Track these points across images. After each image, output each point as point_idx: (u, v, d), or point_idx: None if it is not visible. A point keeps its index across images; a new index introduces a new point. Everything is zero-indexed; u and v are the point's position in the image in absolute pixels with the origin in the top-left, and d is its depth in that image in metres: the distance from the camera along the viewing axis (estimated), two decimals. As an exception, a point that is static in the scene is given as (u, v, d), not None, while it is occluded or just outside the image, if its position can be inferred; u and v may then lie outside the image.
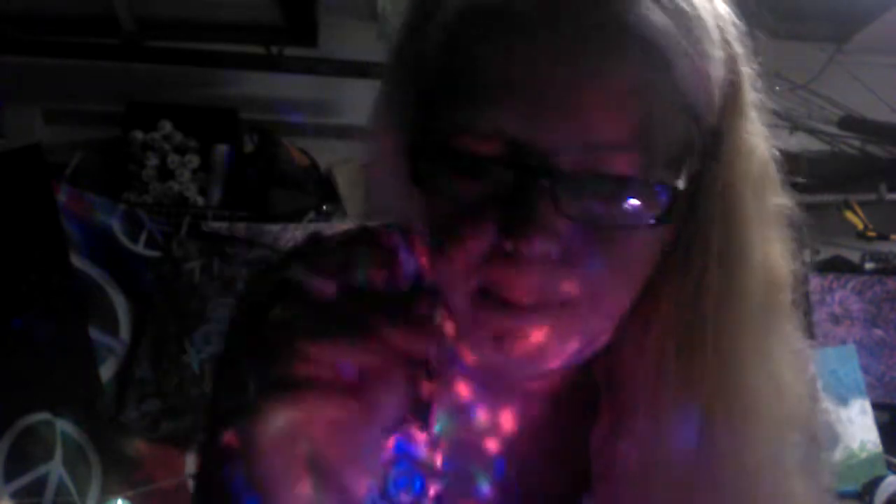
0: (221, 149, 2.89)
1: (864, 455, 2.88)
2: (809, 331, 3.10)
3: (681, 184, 0.55)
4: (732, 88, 0.61)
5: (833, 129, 3.27)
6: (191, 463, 2.59)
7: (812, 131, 3.28)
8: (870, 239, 3.11)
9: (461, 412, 0.64)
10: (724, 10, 0.66)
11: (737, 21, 0.67)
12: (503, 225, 0.52)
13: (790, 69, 3.25)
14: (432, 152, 0.55)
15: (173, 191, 2.81)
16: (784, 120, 3.27)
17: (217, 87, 3.04)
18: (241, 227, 2.78)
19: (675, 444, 0.56)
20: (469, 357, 0.62)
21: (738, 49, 0.65)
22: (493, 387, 0.65)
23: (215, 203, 2.85)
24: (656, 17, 0.53)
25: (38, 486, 2.41)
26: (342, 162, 2.99)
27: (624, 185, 0.53)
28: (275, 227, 2.79)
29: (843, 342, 3.05)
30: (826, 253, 3.22)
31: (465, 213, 0.54)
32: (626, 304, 0.58)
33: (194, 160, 2.85)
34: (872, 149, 3.32)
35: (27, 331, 2.48)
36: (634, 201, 0.53)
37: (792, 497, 0.62)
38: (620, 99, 0.51)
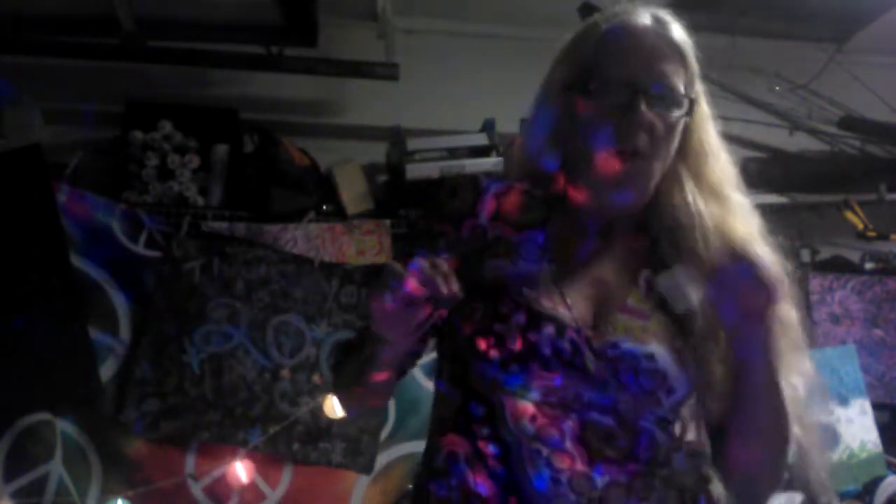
0: (221, 149, 2.89)
1: (864, 455, 2.88)
2: (809, 331, 3.10)
3: (692, 100, 1.21)
4: (696, 70, 1.25)
5: (833, 129, 3.28)
6: (191, 463, 2.60)
7: (812, 131, 3.28)
8: (870, 239, 3.11)
9: (571, 230, 1.23)
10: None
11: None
12: (628, 114, 1.16)
13: (790, 69, 3.25)
14: (596, 88, 1.19)
15: (173, 191, 2.81)
16: (784, 120, 3.27)
17: (217, 87, 3.04)
18: (241, 227, 2.78)
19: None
20: (584, 199, 1.21)
21: (693, 57, 1.25)
22: (591, 219, 1.23)
23: (215, 203, 2.85)
24: (679, 34, 1.25)
25: (38, 486, 2.42)
26: (342, 162, 2.99)
27: (676, 97, 1.19)
28: (275, 227, 2.79)
29: (843, 342, 3.05)
30: (826, 253, 3.22)
31: (610, 113, 1.17)
32: (667, 166, 1.20)
33: (194, 160, 2.85)
34: (872, 149, 3.32)
35: (27, 331, 2.48)
36: (680, 107, 1.19)
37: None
38: (673, 63, 1.20)
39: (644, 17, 1.22)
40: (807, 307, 3.10)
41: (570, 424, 1.12)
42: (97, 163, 2.88)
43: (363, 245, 2.86)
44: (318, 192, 2.90)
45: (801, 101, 3.25)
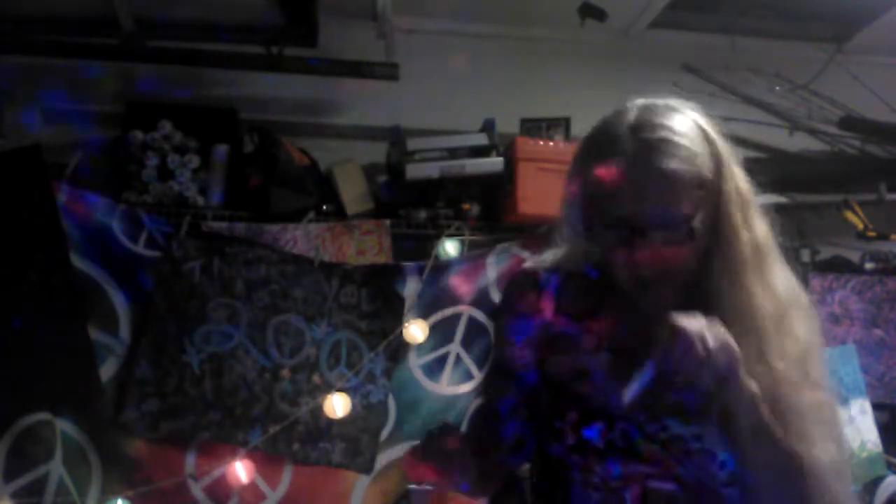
0: (221, 149, 2.89)
1: (864, 455, 2.88)
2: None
3: (698, 220, 1.19)
4: (717, 161, 1.22)
5: (833, 129, 3.28)
6: (191, 463, 2.60)
7: (812, 131, 3.28)
8: (870, 239, 3.11)
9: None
10: (706, 125, 1.25)
11: (712, 127, 1.25)
12: (633, 251, 1.19)
13: (790, 69, 3.25)
14: (599, 227, 1.21)
15: (173, 191, 2.81)
16: (784, 120, 3.27)
17: (217, 87, 3.04)
18: (241, 227, 2.78)
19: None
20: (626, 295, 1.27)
21: (717, 138, 1.23)
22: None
23: (215, 203, 2.85)
24: (670, 162, 1.17)
25: (38, 486, 2.41)
26: (342, 162, 2.99)
27: (677, 222, 1.17)
28: (275, 227, 2.79)
29: (843, 342, 3.05)
30: (826, 253, 3.22)
31: (614, 247, 1.20)
32: (692, 271, 1.22)
33: (194, 160, 2.85)
34: (872, 149, 3.32)
35: (27, 331, 2.48)
36: (679, 232, 1.17)
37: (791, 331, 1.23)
38: (671, 181, 1.17)
39: (623, 151, 1.18)
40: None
41: (631, 493, 1.23)
42: (97, 163, 2.88)
43: (363, 245, 2.86)
44: (318, 192, 2.90)
45: (801, 101, 3.25)
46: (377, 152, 3.05)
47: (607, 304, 1.30)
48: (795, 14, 3.29)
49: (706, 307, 1.17)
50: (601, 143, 1.21)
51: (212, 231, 2.75)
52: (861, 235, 3.11)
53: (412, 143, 2.88)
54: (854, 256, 3.23)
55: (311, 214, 2.84)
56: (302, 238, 2.80)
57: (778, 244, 1.27)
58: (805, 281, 3.09)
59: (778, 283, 1.24)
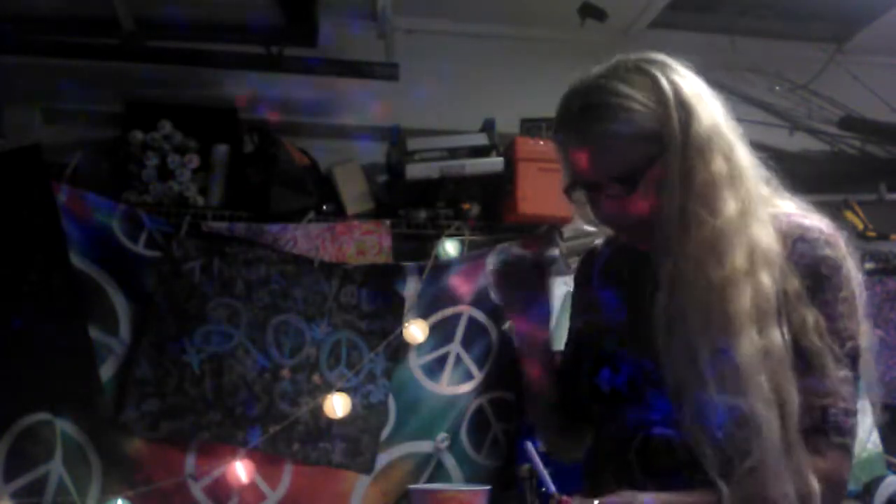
0: (221, 149, 2.89)
1: (864, 455, 2.88)
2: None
3: (638, 173, 1.22)
4: (665, 112, 1.22)
5: (833, 129, 3.28)
6: (191, 463, 2.60)
7: (812, 131, 3.28)
8: (870, 239, 3.11)
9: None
10: (661, 77, 1.25)
11: (671, 77, 1.26)
12: (595, 208, 1.30)
13: (790, 69, 3.25)
14: (569, 192, 1.32)
15: (173, 191, 2.81)
16: (784, 120, 3.27)
17: (217, 87, 3.04)
18: (241, 227, 2.78)
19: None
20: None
21: (671, 89, 1.23)
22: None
23: (215, 203, 2.85)
24: (594, 126, 1.24)
25: (38, 486, 2.41)
26: (342, 162, 2.99)
27: (608, 184, 1.24)
28: (275, 227, 2.79)
29: (843, 342, 3.05)
30: (826, 253, 3.21)
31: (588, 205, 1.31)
32: (645, 216, 1.24)
33: (194, 160, 2.85)
34: (872, 149, 3.32)
35: (27, 331, 2.48)
36: (619, 186, 1.23)
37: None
38: (602, 148, 1.24)
39: (563, 120, 1.27)
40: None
41: (636, 442, 1.28)
42: (97, 163, 2.88)
43: (363, 245, 2.86)
44: (318, 192, 2.90)
45: (801, 101, 3.25)
46: (377, 152, 3.05)
47: (633, 269, 1.37)
48: (795, 14, 3.29)
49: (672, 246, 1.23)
50: (557, 111, 1.31)
51: (212, 231, 2.75)
52: (861, 235, 3.11)
53: (412, 143, 2.88)
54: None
55: (311, 214, 2.84)
56: (302, 238, 2.80)
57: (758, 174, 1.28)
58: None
59: (726, 210, 1.21)
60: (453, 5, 3.15)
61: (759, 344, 1.15)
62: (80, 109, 2.96)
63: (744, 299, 1.17)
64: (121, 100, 2.94)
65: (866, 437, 2.90)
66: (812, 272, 1.22)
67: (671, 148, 1.20)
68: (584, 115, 1.23)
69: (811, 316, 1.19)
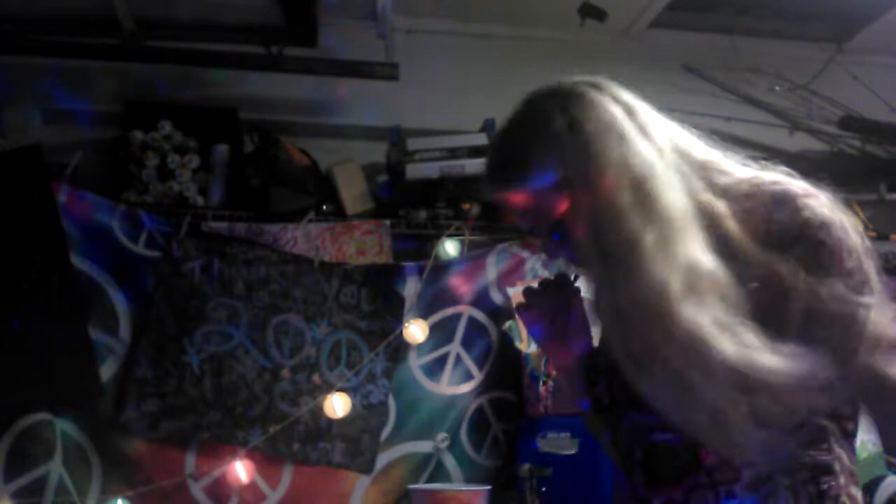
0: (221, 149, 2.89)
1: (864, 455, 2.88)
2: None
3: (562, 222, 1.23)
4: (563, 154, 1.20)
5: (833, 129, 3.28)
6: (191, 463, 2.60)
7: (812, 131, 3.28)
8: (870, 239, 3.11)
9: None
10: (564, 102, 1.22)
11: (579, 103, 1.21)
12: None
13: (790, 69, 3.26)
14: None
15: (173, 191, 2.81)
16: (784, 120, 3.27)
17: (217, 87, 3.04)
18: (241, 227, 2.78)
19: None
20: None
21: (563, 130, 1.19)
22: None
23: (215, 203, 2.85)
24: (498, 183, 1.29)
25: (38, 486, 2.41)
26: (342, 162, 2.99)
27: (515, 213, 1.29)
28: (275, 227, 2.79)
29: (843, 342, 3.05)
30: (826, 253, 3.21)
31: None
32: (583, 248, 1.20)
33: (194, 160, 2.85)
34: (872, 149, 3.32)
35: (27, 331, 2.48)
36: (548, 233, 1.26)
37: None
38: (497, 190, 1.28)
39: (488, 173, 1.30)
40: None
41: (640, 450, 1.26)
42: (97, 163, 2.88)
43: (363, 245, 2.86)
44: (318, 192, 2.90)
45: (801, 101, 3.25)
46: (377, 152, 3.05)
47: None
48: (795, 14, 3.29)
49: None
50: None
51: (212, 231, 2.75)
52: (861, 235, 3.10)
53: (412, 143, 2.88)
54: (854, 256, 3.23)
55: (311, 214, 2.84)
56: (302, 238, 2.80)
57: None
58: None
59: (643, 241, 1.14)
60: (453, 5, 3.16)
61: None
62: (80, 109, 2.96)
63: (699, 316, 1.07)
64: (121, 100, 2.94)
65: (866, 437, 2.90)
66: (798, 240, 1.12)
67: (575, 188, 1.17)
68: (497, 175, 1.27)
69: (819, 285, 1.08)
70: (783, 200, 1.15)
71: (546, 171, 1.20)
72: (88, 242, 2.62)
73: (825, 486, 1.14)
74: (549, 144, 1.19)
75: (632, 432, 1.26)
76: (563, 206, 1.21)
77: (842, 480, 1.15)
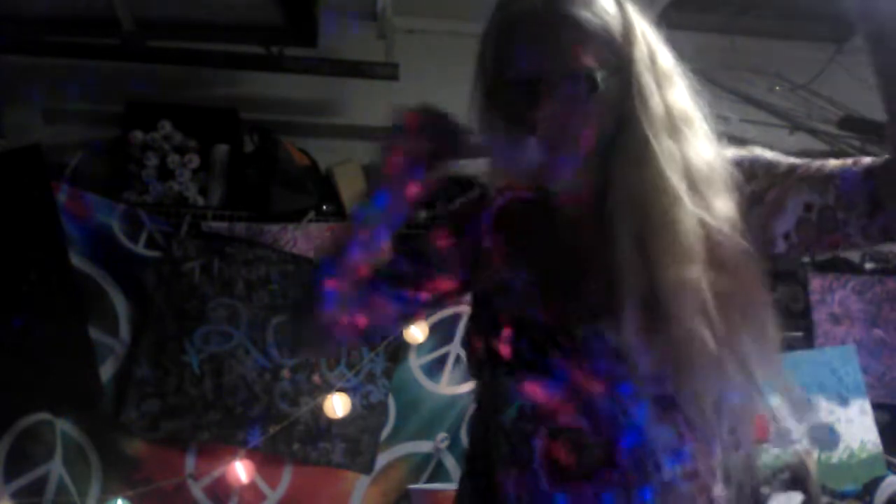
0: (221, 149, 2.89)
1: (864, 455, 2.88)
2: (809, 331, 3.11)
3: (600, 75, 1.07)
4: (628, 28, 1.13)
5: (833, 129, 3.28)
6: (191, 463, 2.60)
7: (812, 131, 3.28)
8: (870, 239, 3.11)
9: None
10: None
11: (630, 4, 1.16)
12: (536, 108, 1.08)
13: (790, 69, 3.26)
14: (503, 89, 1.14)
15: (173, 191, 2.81)
16: (784, 120, 3.27)
17: (217, 87, 3.04)
18: (241, 227, 2.78)
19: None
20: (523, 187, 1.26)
21: (632, 9, 1.16)
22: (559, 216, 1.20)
23: (215, 203, 2.85)
24: (576, 9, 1.09)
25: (38, 486, 2.42)
26: (342, 162, 2.99)
27: (578, 76, 1.07)
28: (275, 227, 2.79)
29: (843, 342, 3.05)
30: (826, 253, 3.22)
31: (519, 111, 1.10)
32: (592, 139, 1.10)
33: (194, 160, 2.85)
34: (872, 149, 3.32)
35: (27, 331, 2.48)
36: (580, 85, 1.07)
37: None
38: (574, 37, 1.08)
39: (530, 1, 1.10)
40: (807, 307, 3.11)
41: (539, 441, 1.09)
42: (97, 163, 2.87)
43: (363, 245, 2.86)
44: (318, 192, 2.90)
45: (801, 101, 3.25)
46: (377, 152, 3.05)
47: (537, 223, 1.22)
48: (795, 14, 3.29)
49: (605, 190, 1.10)
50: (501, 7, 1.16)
51: (212, 231, 2.76)
52: (861, 235, 3.11)
53: (412, 143, 2.87)
54: (854, 256, 3.23)
55: (311, 214, 2.84)
56: (302, 238, 2.80)
57: (708, 124, 1.16)
58: (805, 281, 3.10)
59: (693, 153, 1.10)
60: (453, 5, 3.15)
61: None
62: (80, 109, 2.96)
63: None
64: (121, 100, 2.94)
65: (866, 437, 2.90)
66: (755, 162, 1.18)
67: (634, 68, 1.10)
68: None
69: (786, 179, 1.14)
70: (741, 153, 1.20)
71: (612, 25, 1.11)
72: (88, 242, 2.62)
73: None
74: (620, 15, 1.13)
75: (531, 415, 1.11)
76: (605, 68, 1.08)
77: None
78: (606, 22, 1.10)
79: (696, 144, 1.12)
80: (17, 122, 2.92)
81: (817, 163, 1.15)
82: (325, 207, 2.90)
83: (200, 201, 2.83)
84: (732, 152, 1.17)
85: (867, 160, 1.10)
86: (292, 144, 2.92)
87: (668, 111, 1.11)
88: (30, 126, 2.92)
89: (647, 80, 1.11)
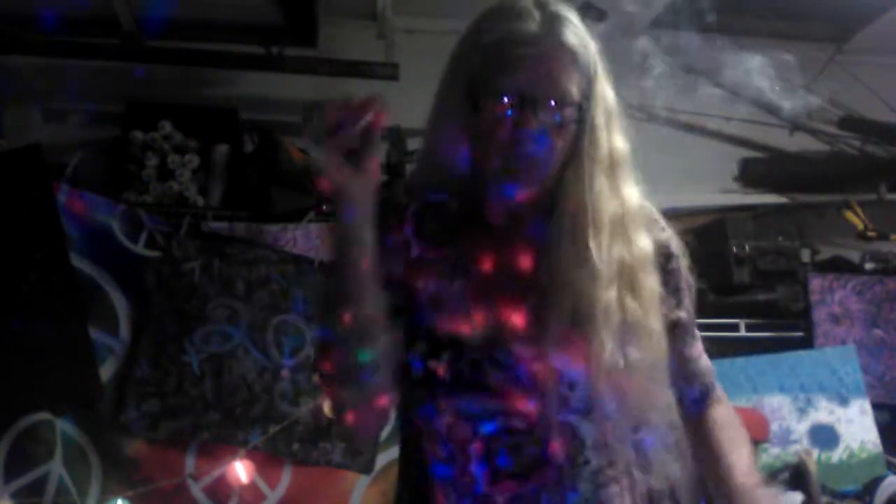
0: (221, 149, 2.89)
1: (864, 455, 2.88)
2: (809, 331, 3.11)
3: (583, 105, 1.16)
4: (594, 65, 1.18)
5: (833, 129, 3.28)
6: (191, 463, 2.60)
7: (812, 131, 3.28)
8: (870, 239, 3.11)
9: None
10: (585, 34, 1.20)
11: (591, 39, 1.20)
12: (516, 127, 1.13)
13: (790, 69, 3.25)
14: (487, 101, 1.15)
15: (173, 191, 2.81)
16: (784, 120, 3.27)
17: (217, 87, 3.04)
18: (241, 227, 2.78)
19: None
20: (493, 209, 1.21)
21: (593, 48, 1.19)
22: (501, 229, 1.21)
23: (215, 203, 2.85)
24: (572, 38, 1.15)
25: (38, 486, 2.41)
26: (342, 162, 2.99)
27: (565, 103, 1.14)
28: (275, 227, 2.79)
29: (843, 342, 3.05)
30: (826, 253, 3.22)
31: (497, 125, 1.14)
32: (552, 168, 1.16)
33: (194, 160, 2.85)
34: (872, 149, 3.32)
35: (27, 331, 2.48)
36: (562, 113, 1.14)
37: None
38: (563, 66, 1.14)
39: (529, 21, 1.15)
40: (807, 307, 3.11)
41: (476, 446, 1.14)
42: (97, 163, 2.88)
43: (363, 245, 2.86)
44: (318, 192, 2.90)
45: (802, 101, 3.25)
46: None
47: (465, 232, 1.21)
48: (795, 14, 3.29)
49: (553, 208, 1.17)
50: (503, 14, 1.18)
51: (212, 231, 2.76)
52: (861, 235, 3.11)
53: (412, 143, 2.88)
54: (854, 256, 3.23)
55: (311, 214, 2.84)
56: (302, 238, 2.80)
57: (632, 163, 1.23)
58: (805, 281, 3.10)
59: (626, 194, 1.20)
60: (453, 5, 3.15)
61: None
62: (80, 109, 2.96)
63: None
64: (121, 100, 2.94)
65: (866, 437, 2.90)
66: (664, 250, 1.24)
67: (593, 104, 1.16)
68: (565, 22, 1.15)
69: (674, 293, 1.24)
70: (658, 220, 1.28)
71: (592, 63, 1.17)
72: (88, 242, 2.62)
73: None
74: (589, 54, 1.17)
75: (468, 419, 1.14)
76: (581, 99, 1.15)
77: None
78: (588, 55, 1.17)
79: (628, 184, 1.21)
80: (17, 122, 2.92)
81: (695, 353, 1.29)
82: (325, 207, 2.90)
83: (200, 201, 2.84)
84: (649, 206, 1.26)
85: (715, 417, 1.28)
86: (292, 144, 2.92)
87: (611, 151, 1.19)
88: (30, 126, 2.92)
89: (601, 118, 1.18)
